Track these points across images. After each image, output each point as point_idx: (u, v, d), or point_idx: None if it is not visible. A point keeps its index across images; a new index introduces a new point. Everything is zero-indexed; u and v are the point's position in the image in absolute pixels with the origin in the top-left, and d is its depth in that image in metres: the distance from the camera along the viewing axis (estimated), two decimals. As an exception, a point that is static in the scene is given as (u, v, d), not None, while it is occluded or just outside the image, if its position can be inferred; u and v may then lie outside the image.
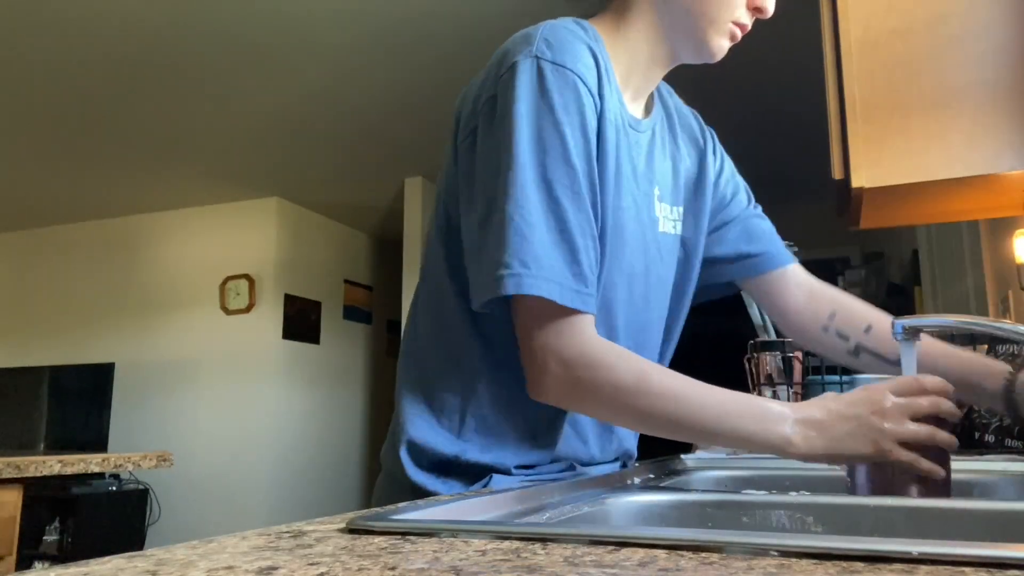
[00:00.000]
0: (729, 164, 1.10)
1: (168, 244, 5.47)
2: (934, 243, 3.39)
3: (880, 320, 0.99)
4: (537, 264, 0.72)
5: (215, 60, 3.38)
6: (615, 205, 0.83)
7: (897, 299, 4.12)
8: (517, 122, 0.75)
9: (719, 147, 1.09)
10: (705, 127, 1.09)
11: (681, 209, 0.98)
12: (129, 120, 3.98)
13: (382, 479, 0.89)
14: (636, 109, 0.92)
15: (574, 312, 0.74)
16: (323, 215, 5.63)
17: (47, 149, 4.35)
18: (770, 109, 3.94)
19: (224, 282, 5.20)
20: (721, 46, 0.89)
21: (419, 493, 0.82)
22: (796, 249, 1.57)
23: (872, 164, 1.23)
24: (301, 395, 5.27)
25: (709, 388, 0.75)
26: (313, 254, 5.52)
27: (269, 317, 5.10)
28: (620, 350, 0.76)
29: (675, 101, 1.05)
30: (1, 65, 3.39)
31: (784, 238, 1.59)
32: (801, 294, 1.05)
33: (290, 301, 5.22)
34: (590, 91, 0.78)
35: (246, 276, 5.15)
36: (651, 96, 0.96)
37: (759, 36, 3.73)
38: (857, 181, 1.23)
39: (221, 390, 5.11)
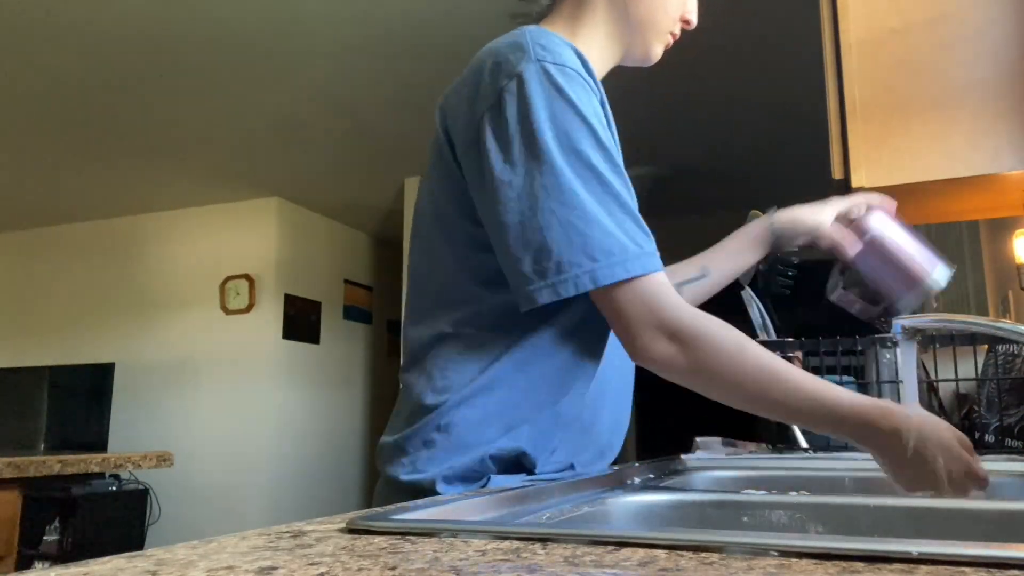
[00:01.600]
0: None
1: (168, 244, 5.46)
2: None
3: (685, 264, 1.12)
4: (605, 253, 0.75)
5: (215, 60, 3.38)
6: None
7: (897, 299, 4.12)
8: (540, 125, 0.77)
9: None
10: None
11: None
12: (129, 120, 3.98)
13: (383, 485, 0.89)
14: None
15: (651, 277, 0.77)
16: (323, 215, 5.63)
17: (47, 149, 4.35)
18: (770, 108, 3.94)
19: (224, 282, 5.20)
20: (659, 53, 0.99)
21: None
22: (796, 249, 1.57)
23: (872, 164, 1.23)
24: (301, 395, 5.27)
25: (802, 372, 0.77)
26: (313, 254, 5.52)
27: (269, 317, 5.10)
28: (712, 317, 0.79)
29: None
30: (1, 66, 3.39)
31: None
32: None
33: (290, 301, 5.22)
34: (595, 85, 0.84)
35: (246, 276, 5.15)
36: None
37: (760, 36, 3.74)
38: (857, 181, 1.23)
39: (221, 390, 5.10)
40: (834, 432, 0.76)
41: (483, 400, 0.83)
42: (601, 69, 0.96)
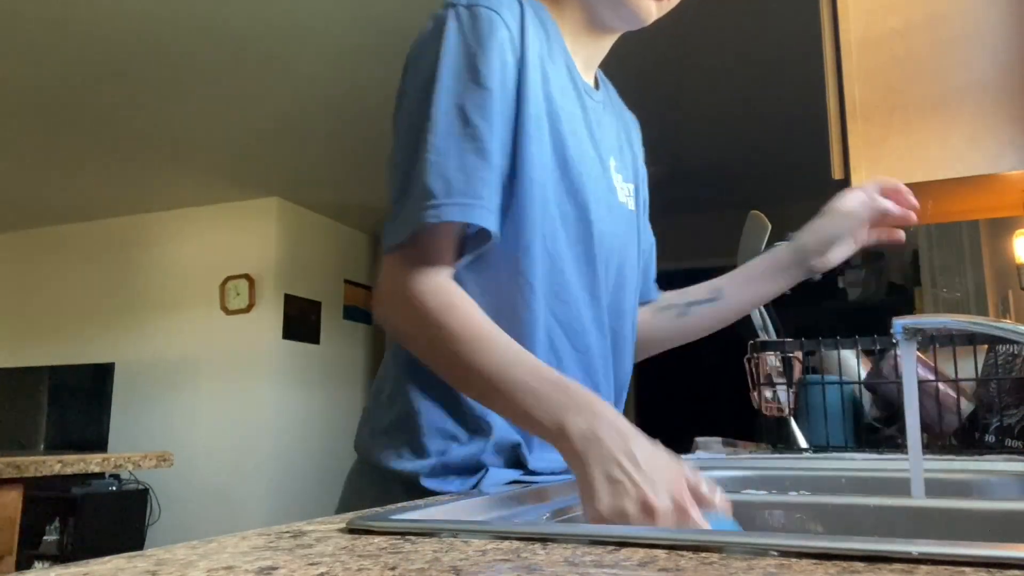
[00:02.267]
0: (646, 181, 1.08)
1: (168, 244, 5.46)
2: (934, 243, 3.39)
3: (697, 287, 1.04)
4: (431, 195, 0.73)
5: (215, 60, 3.38)
6: (568, 154, 0.82)
7: (897, 299, 4.12)
8: (431, 60, 0.77)
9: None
10: (639, 130, 1.08)
11: (632, 187, 0.97)
12: (129, 120, 3.98)
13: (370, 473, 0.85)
14: (588, 78, 0.92)
15: (429, 231, 0.74)
16: (323, 215, 5.62)
17: (47, 149, 4.35)
18: (770, 108, 3.94)
19: (224, 282, 5.20)
20: (645, 5, 0.86)
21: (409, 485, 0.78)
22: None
23: (872, 164, 1.23)
24: (301, 395, 5.27)
25: (512, 342, 0.72)
26: (313, 254, 5.52)
27: (269, 317, 5.10)
28: (453, 291, 0.75)
29: (611, 87, 1.03)
30: (1, 66, 3.39)
31: (784, 238, 1.59)
32: (649, 311, 1.07)
33: (290, 301, 5.22)
34: (507, 26, 0.79)
35: (246, 276, 5.15)
36: (596, 74, 0.96)
37: (760, 36, 3.74)
38: (857, 181, 1.23)
39: (221, 390, 5.10)
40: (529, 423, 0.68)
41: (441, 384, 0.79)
42: (593, 34, 0.90)
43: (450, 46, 0.77)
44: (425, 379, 0.80)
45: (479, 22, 0.77)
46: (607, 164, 0.91)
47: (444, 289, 0.74)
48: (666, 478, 0.60)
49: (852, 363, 1.43)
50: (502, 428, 0.79)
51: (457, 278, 0.78)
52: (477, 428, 0.80)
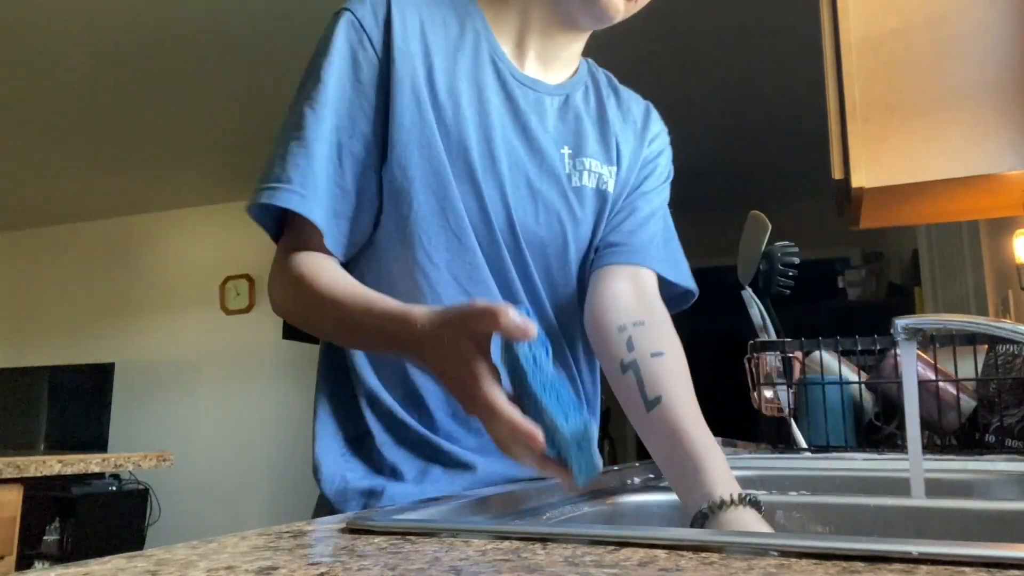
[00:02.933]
0: (662, 168, 1.03)
1: (168, 244, 5.46)
2: (934, 243, 3.39)
3: (671, 367, 0.82)
4: (260, 178, 0.78)
5: (215, 60, 3.38)
6: (454, 138, 0.83)
7: (897, 299, 4.12)
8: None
9: (665, 149, 1.04)
10: (655, 122, 1.03)
11: (613, 169, 0.95)
12: (129, 120, 3.98)
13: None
14: (541, 72, 0.92)
15: (296, 215, 0.78)
16: (323, 215, 5.63)
17: (47, 149, 4.35)
18: (770, 108, 3.94)
19: (224, 282, 5.20)
20: (613, 5, 0.83)
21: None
22: (795, 249, 1.57)
23: (872, 164, 1.23)
24: (301, 395, 5.26)
25: (348, 288, 0.76)
26: (313, 254, 5.52)
27: (269, 317, 5.10)
28: (315, 256, 0.81)
29: (618, 88, 1.02)
30: (1, 66, 3.39)
31: (784, 238, 1.59)
32: (629, 289, 0.91)
33: (290, 301, 5.22)
34: (358, 23, 0.84)
35: (246, 276, 5.15)
36: (577, 70, 0.96)
37: (760, 36, 3.74)
38: (857, 181, 1.23)
39: (221, 390, 5.10)
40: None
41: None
42: (552, 30, 0.90)
43: (316, 48, 0.85)
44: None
45: (334, 24, 0.85)
46: (551, 151, 0.89)
47: (300, 261, 0.80)
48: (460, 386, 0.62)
49: (834, 366, 1.43)
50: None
51: (356, 267, 0.85)
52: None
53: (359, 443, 0.85)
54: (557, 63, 0.93)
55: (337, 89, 0.81)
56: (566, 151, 0.91)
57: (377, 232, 0.84)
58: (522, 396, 0.58)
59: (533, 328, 0.58)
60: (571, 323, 0.92)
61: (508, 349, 0.59)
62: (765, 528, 0.67)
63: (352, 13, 0.84)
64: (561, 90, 0.93)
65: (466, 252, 0.83)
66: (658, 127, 1.03)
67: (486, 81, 0.86)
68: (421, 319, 0.66)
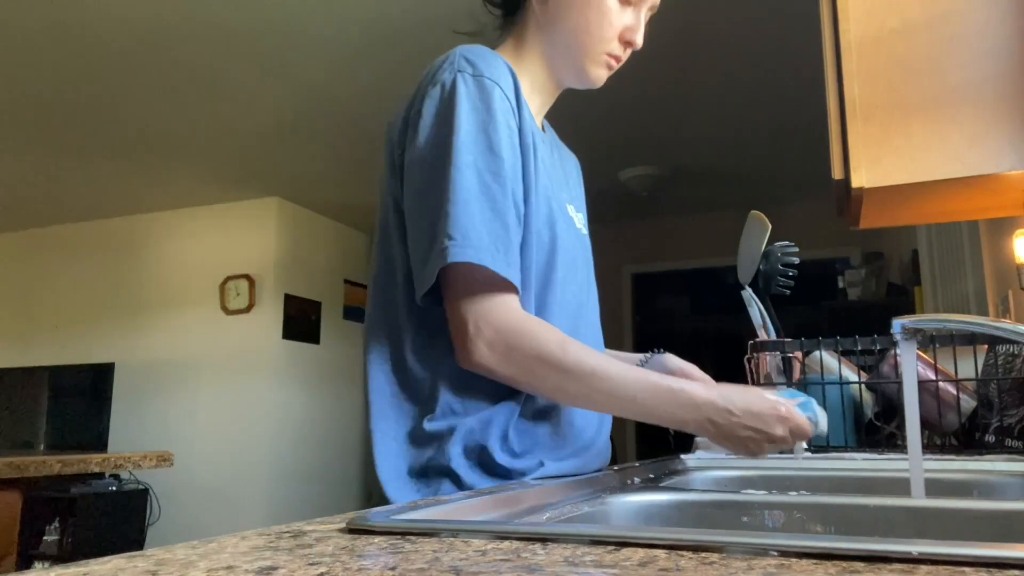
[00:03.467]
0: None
1: (168, 244, 5.46)
2: (934, 243, 3.39)
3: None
4: (466, 236, 0.80)
5: (215, 60, 3.38)
6: (546, 198, 0.93)
7: (897, 299, 4.12)
8: (447, 127, 0.85)
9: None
10: (578, 169, 1.20)
11: (583, 216, 1.09)
12: (129, 120, 3.98)
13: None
14: (539, 123, 1.04)
15: (503, 282, 0.82)
16: (323, 215, 5.62)
17: (47, 149, 4.35)
18: (770, 108, 3.94)
19: (224, 282, 5.20)
20: (598, 75, 0.99)
21: None
22: (795, 249, 1.57)
23: (872, 164, 1.23)
24: (301, 395, 5.26)
25: (625, 366, 0.83)
26: (313, 254, 5.52)
27: (269, 317, 5.10)
28: (543, 322, 0.85)
29: (552, 131, 1.16)
30: (1, 66, 3.39)
31: (784, 238, 1.59)
32: None
33: (290, 301, 5.22)
34: (507, 97, 0.89)
35: (246, 276, 5.15)
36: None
37: (760, 36, 3.73)
38: (857, 181, 1.23)
39: (221, 390, 5.10)
40: (676, 420, 0.83)
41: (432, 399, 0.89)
42: (545, 93, 1.03)
43: (464, 111, 0.85)
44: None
45: (485, 93, 0.87)
46: (564, 198, 1.02)
47: (542, 330, 0.83)
48: (766, 411, 0.81)
49: (834, 366, 1.43)
50: (468, 434, 0.86)
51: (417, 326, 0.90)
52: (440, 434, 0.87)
53: (433, 470, 0.87)
54: (540, 117, 1.06)
55: (511, 162, 0.87)
56: (564, 196, 1.03)
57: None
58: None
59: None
60: (594, 339, 1.07)
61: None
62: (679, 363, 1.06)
63: (499, 87, 0.88)
64: (547, 140, 1.05)
65: (571, 289, 0.97)
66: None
67: (537, 137, 0.96)
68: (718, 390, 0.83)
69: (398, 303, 0.91)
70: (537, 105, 1.03)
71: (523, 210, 0.87)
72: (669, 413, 0.82)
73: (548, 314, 0.92)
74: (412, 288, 0.87)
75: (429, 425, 0.86)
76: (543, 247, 0.92)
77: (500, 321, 0.81)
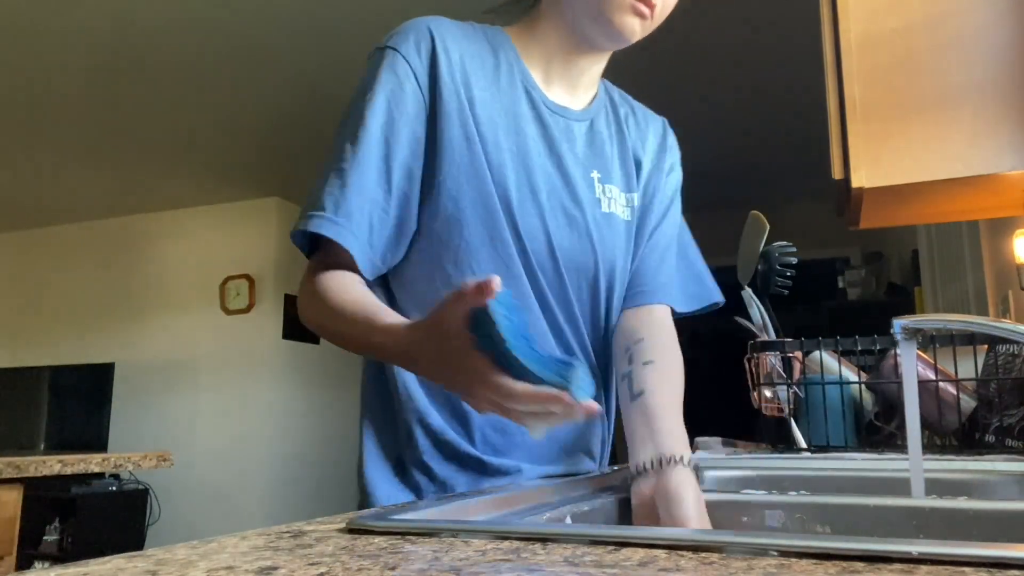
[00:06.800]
0: (677, 194, 1.09)
1: (168, 244, 5.46)
2: (934, 243, 3.38)
3: (660, 370, 0.91)
4: (309, 205, 0.83)
5: (215, 60, 3.38)
6: (492, 169, 0.87)
7: (897, 299, 4.12)
8: (353, 95, 0.88)
9: (679, 175, 1.10)
10: (671, 149, 1.09)
11: (635, 196, 1.00)
12: (129, 120, 3.98)
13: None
14: (567, 98, 0.97)
15: (327, 244, 0.82)
16: (323, 215, 5.62)
17: (47, 149, 4.35)
18: (770, 109, 3.94)
19: (224, 282, 5.20)
20: (628, 24, 0.87)
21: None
22: (793, 249, 1.57)
23: (872, 164, 1.23)
24: (301, 395, 5.26)
25: (357, 303, 0.80)
26: (313, 254, 5.51)
27: (269, 317, 5.10)
28: (344, 274, 0.83)
29: (628, 102, 1.07)
30: (1, 66, 3.39)
31: (784, 238, 1.59)
32: (645, 317, 0.99)
33: (290, 301, 5.22)
34: (407, 62, 0.87)
35: (246, 276, 5.15)
36: (597, 92, 1.01)
37: (760, 35, 3.73)
38: (857, 181, 1.23)
39: (221, 390, 5.10)
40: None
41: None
42: (574, 56, 0.94)
43: (358, 85, 0.87)
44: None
45: (381, 60, 0.87)
46: (582, 177, 0.94)
47: (325, 276, 0.83)
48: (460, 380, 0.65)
49: (834, 366, 1.43)
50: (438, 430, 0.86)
51: (387, 290, 0.91)
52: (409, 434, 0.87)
53: (409, 464, 0.88)
54: (580, 87, 0.98)
55: (380, 124, 0.85)
56: (595, 176, 0.96)
57: (415, 256, 0.88)
58: (508, 360, 0.59)
59: (494, 282, 0.58)
60: (604, 348, 0.98)
61: (480, 320, 0.59)
62: (691, 491, 0.75)
63: (396, 50, 0.87)
64: (587, 115, 0.98)
65: (512, 279, 0.88)
66: (675, 153, 1.09)
67: (521, 111, 0.91)
68: (406, 327, 0.71)
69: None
70: (561, 76, 0.95)
71: (400, 172, 0.85)
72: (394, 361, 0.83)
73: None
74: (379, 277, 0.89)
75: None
76: (492, 225, 0.86)
77: (310, 280, 0.83)
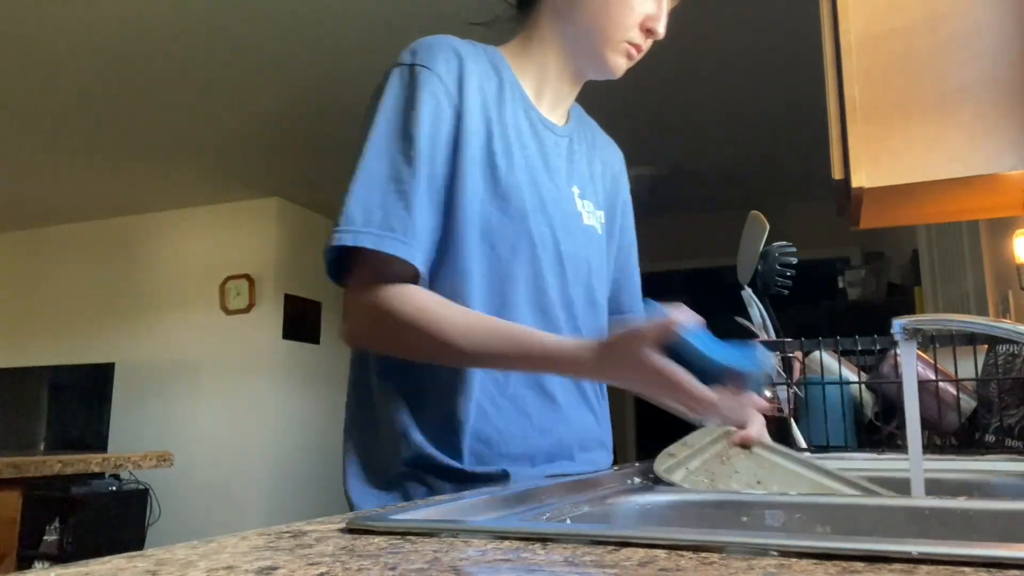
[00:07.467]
0: (629, 217, 1.19)
1: (168, 244, 5.46)
2: (934, 243, 3.38)
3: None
4: (352, 221, 0.82)
5: (215, 60, 3.38)
6: (507, 183, 0.91)
7: (897, 299, 4.12)
8: (378, 110, 0.87)
9: (628, 200, 1.20)
10: (624, 171, 1.19)
11: (603, 213, 1.08)
12: (129, 120, 3.98)
13: None
14: (554, 116, 1.03)
15: (389, 260, 0.83)
16: (323, 215, 5.62)
17: (47, 149, 4.35)
18: (770, 109, 3.94)
19: (224, 282, 5.20)
20: (618, 64, 0.97)
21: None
22: (792, 249, 1.57)
23: (872, 164, 1.23)
24: (301, 395, 5.26)
25: (482, 316, 0.84)
26: (313, 254, 5.51)
27: (269, 317, 5.10)
28: (419, 290, 0.85)
29: (592, 124, 1.14)
30: (1, 66, 3.39)
31: (784, 238, 1.59)
32: None
33: (290, 301, 5.22)
34: (442, 81, 0.89)
35: (246, 276, 5.15)
36: (568, 110, 1.07)
37: (760, 35, 3.73)
38: (857, 181, 1.23)
39: (221, 390, 5.10)
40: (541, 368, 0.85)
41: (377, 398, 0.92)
42: (564, 81, 1.01)
43: (388, 100, 0.88)
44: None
45: (417, 78, 0.88)
46: (568, 190, 1.00)
47: (406, 293, 0.84)
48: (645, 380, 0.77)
49: (834, 366, 1.43)
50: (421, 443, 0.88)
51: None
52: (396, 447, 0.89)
53: (393, 479, 0.89)
54: (561, 108, 1.04)
55: (428, 145, 0.87)
56: (575, 191, 1.02)
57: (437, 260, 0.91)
58: (703, 369, 0.74)
59: (680, 316, 0.73)
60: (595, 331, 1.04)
61: (676, 346, 0.74)
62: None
63: (431, 70, 0.89)
64: (567, 131, 1.04)
65: (531, 285, 0.93)
66: (627, 187, 1.19)
67: (523, 127, 0.96)
68: (590, 347, 0.79)
69: None
70: (551, 97, 1.01)
71: (443, 194, 0.88)
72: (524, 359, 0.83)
73: (511, 306, 0.91)
74: None
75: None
76: (501, 235, 0.91)
77: (372, 296, 0.83)
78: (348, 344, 0.89)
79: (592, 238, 1.03)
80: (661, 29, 0.96)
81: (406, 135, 0.86)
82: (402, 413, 0.89)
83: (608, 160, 1.13)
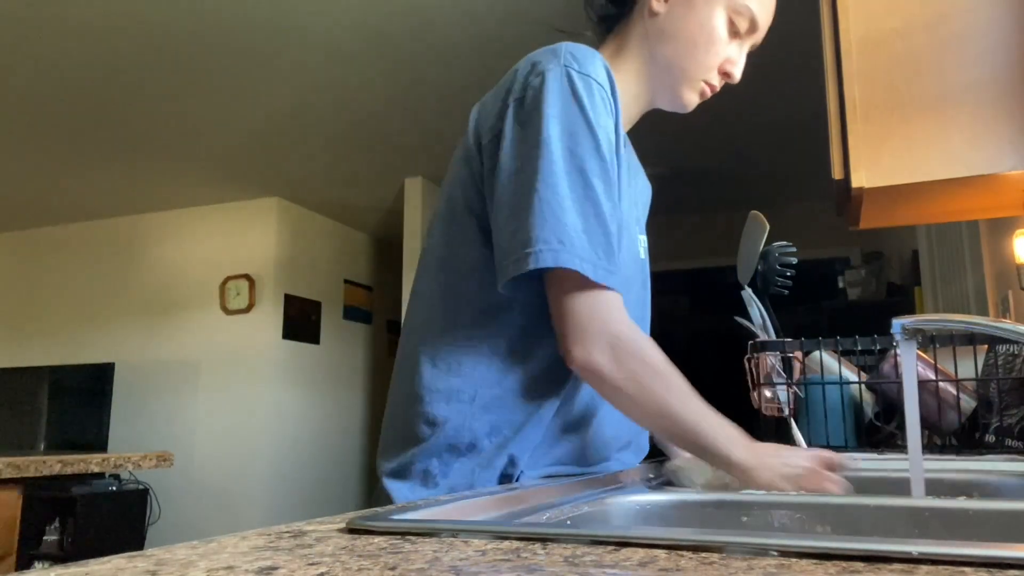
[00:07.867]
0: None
1: (168, 244, 5.46)
2: (934, 243, 3.38)
3: None
4: (571, 242, 0.78)
5: (215, 60, 3.38)
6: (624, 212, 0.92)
7: (897, 299, 4.12)
8: (547, 119, 0.82)
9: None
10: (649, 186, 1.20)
11: (644, 239, 1.07)
12: (130, 120, 3.98)
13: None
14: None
15: (607, 289, 0.80)
16: (323, 215, 5.62)
17: (48, 149, 4.35)
18: (770, 109, 3.94)
19: (224, 282, 5.20)
20: (692, 100, 0.99)
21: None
22: (792, 249, 1.57)
23: (872, 164, 1.23)
24: (301, 395, 5.26)
25: (697, 398, 0.82)
26: (313, 254, 5.52)
27: (269, 317, 5.10)
28: (648, 340, 0.84)
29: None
30: (1, 66, 3.39)
31: (784, 238, 1.59)
32: None
33: (290, 301, 5.22)
34: (612, 99, 0.87)
35: (246, 276, 5.15)
36: None
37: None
38: (857, 181, 1.23)
39: (221, 390, 5.10)
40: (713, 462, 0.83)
41: (473, 409, 0.87)
42: (635, 107, 1.01)
43: (568, 109, 0.83)
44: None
45: (592, 92, 0.84)
46: (632, 217, 1.01)
47: (647, 340, 0.83)
48: (806, 456, 0.81)
49: (834, 366, 1.43)
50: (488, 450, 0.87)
51: (533, 330, 0.88)
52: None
53: (426, 469, 0.89)
54: (624, 131, 1.03)
55: (609, 162, 0.85)
56: (635, 214, 1.03)
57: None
58: None
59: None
60: None
61: None
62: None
63: (601, 86, 0.87)
64: (625, 156, 1.03)
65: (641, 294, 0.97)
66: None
67: (619, 144, 0.94)
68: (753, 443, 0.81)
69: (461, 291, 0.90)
70: (625, 119, 1.00)
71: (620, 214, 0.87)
72: (713, 444, 0.81)
73: None
74: (483, 278, 0.86)
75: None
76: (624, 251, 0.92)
77: (616, 329, 0.80)
78: (583, 369, 0.82)
79: (644, 267, 1.04)
80: (737, 74, 0.99)
81: (598, 153, 0.83)
82: (440, 405, 0.88)
83: (646, 191, 1.15)
